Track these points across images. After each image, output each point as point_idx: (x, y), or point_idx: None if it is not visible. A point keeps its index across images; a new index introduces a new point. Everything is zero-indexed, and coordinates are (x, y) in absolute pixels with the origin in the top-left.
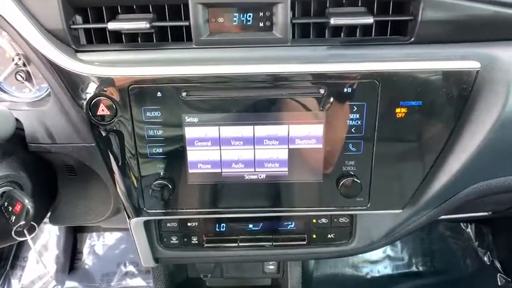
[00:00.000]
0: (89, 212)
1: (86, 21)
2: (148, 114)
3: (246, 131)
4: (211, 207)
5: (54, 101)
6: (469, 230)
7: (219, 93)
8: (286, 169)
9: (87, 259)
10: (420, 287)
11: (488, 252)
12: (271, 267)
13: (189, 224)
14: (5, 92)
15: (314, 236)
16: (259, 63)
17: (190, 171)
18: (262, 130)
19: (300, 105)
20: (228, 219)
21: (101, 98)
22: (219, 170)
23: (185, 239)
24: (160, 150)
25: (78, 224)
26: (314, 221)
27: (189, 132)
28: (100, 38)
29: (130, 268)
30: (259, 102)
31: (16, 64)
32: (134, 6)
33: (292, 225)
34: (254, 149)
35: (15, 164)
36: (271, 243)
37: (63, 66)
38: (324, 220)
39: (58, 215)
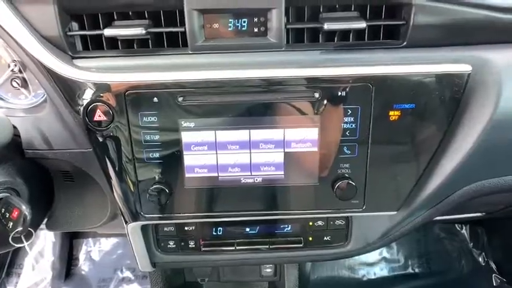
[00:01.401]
0: (85, 217)
1: (82, 27)
2: (145, 119)
3: (242, 135)
4: (208, 211)
5: (50, 107)
6: (463, 231)
7: (215, 98)
8: (282, 172)
9: (83, 265)
10: None
11: (483, 253)
12: (268, 270)
13: (186, 228)
14: (0, 98)
15: (310, 239)
16: (255, 68)
17: (187, 175)
18: (258, 134)
19: (295, 109)
20: (225, 222)
21: (98, 103)
22: (216, 174)
23: (182, 243)
24: (157, 155)
25: (75, 230)
26: (310, 223)
27: (186, 137)
28: (96, 45)
29: (127, 274)
30: (254, 106)
31: (12, 71)
32: (130, 13)
33: (289, 228)
34: (250, 153)
35: (12, 171)
36: (268, 246)
37: (60, 72)
38: (320, 223)
39: (55, 221)
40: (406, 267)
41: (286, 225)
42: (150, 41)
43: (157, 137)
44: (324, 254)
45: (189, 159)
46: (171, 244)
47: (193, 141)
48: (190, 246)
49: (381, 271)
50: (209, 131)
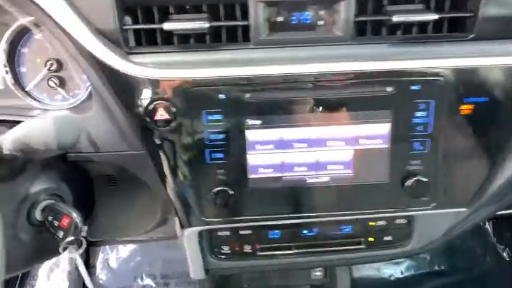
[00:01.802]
0: (129, 224)
1: (135, 22)
2: (209, 117)
3: (309, 132)
4: (271, 213)
5: (98, 107)
6: (487, 226)
7: (283, 94)
8: (351, 171)
9: (101, 274)
10: (444, 285)
11: (507, 248)
12: (318, 273)
13: (241, 232)
14: (35, 99)
15: (371, 239)
16: (324, 62)
17: (250, 176)
18: (326, 131)
19: (366, 104)
20: (283, 225)
21: (160, 101)
22: (280, 174)
23: (237, 248)
24: (220, 155)
25: (119, 238)
26: (371, 223)
27: (251, 136)
28: (148, 40)
29: (148, 281)
30: (323, 102)
31: (49, 70)
32: (187, 7)
33: (349, 229)
34: (317, 151)
35: (55, 176)
36: (326, 249)
37: (118, 68)
38: (381, 222)
39: (97, 229)
40: (432, 264)
41: (346, 226)
42: (207, 36)
43: (221, 136)
44: (383, 254)
45: (253, 158)
46: (226, 249)
47: (258, 139)
48: (245, 251)
49: (407, 270)
50: (275, 129)
